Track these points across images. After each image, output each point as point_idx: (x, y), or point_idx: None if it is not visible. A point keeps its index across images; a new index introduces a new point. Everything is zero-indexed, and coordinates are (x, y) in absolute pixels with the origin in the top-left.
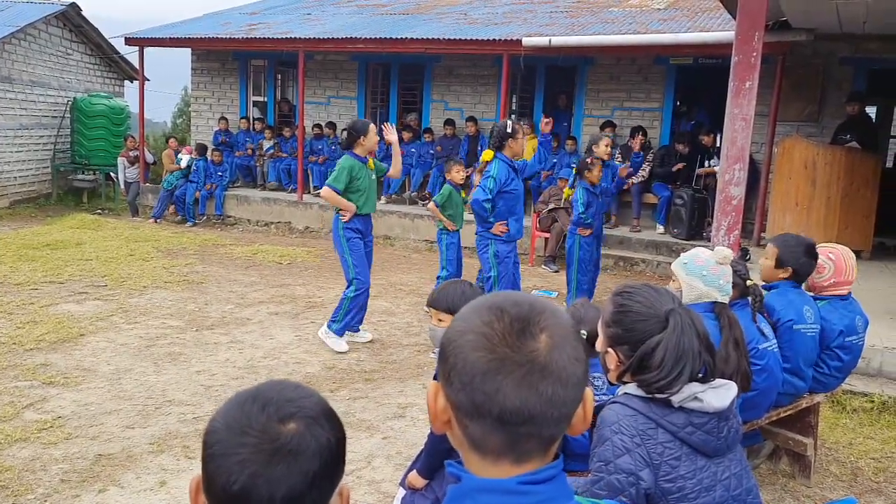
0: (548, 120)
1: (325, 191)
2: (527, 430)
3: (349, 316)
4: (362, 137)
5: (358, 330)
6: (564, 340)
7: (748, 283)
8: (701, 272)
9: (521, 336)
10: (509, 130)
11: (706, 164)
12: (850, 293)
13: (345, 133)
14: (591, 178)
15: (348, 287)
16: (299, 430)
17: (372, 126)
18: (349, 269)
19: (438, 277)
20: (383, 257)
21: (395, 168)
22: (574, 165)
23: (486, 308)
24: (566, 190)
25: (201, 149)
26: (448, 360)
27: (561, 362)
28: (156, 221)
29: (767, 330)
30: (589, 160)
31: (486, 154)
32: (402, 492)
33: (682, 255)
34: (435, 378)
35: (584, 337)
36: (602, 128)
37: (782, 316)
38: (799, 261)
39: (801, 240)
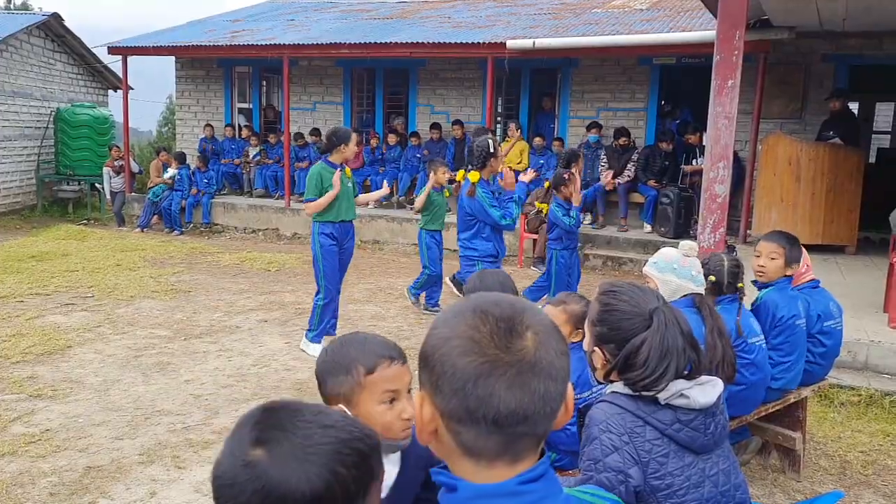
0: (531, 174)
1: (307, 209)
2: (522, 429)
3: (323, 323)
4: (343, 146)
5: (335, 335)
6: (549, 336)
7: (739, 285)
8: (672, 266)
9: (508, 336)
10: (492, 150)
11: (692, 162)
12: (817, 281)
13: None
14: (566, 195)
15: (318, 294)
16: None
17: (354, 136)
18: (320, 276)
19: (424, 274)
20: (372, 262)
21: (364, 200)
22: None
23: (468, 312)
24: (540, 205)
25: (181, 157)
26: (434, 368)
27: (548, 358)
28: (142, 231)
29: (755, 325)
30: (566, 175)
31: (473, 175)
32: None
33: (650, 258)
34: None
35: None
36: (588, 129)
37: (786, 312)
38: (799, 259)
39: (794, 236)
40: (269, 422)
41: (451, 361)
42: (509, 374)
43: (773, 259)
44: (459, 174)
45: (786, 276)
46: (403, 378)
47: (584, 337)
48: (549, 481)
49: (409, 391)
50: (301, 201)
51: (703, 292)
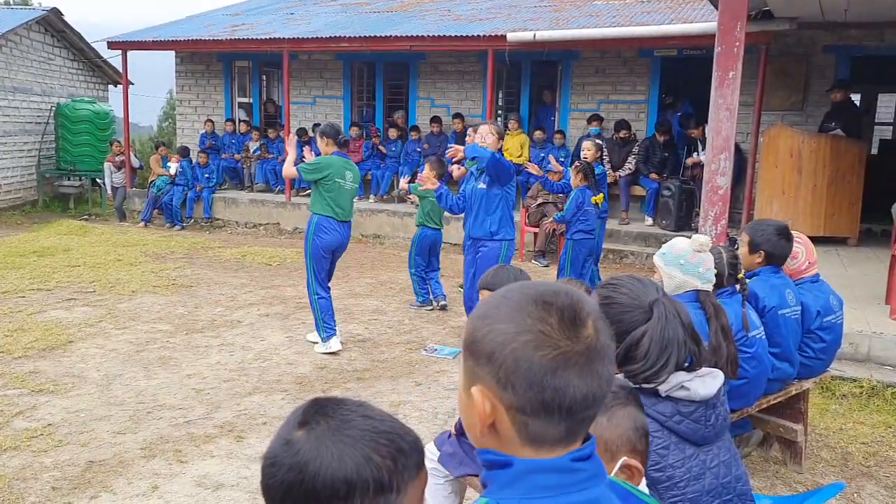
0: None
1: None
2: (589, 413)
3: (325, 317)
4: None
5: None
6: (602, 320)
7: (739, 276)
8: (678, 261)
9: (574, 326)
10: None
11: (693, 155)
12: (818, 275)
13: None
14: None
15: (309, 294)
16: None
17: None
18: (309, 273)
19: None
20: (373, 256)
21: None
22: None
23: (530, 304)
24: (594, 199)
25: (184, 151)
26: (504, 364)
27: (606, 341)
28: (145, 225)
29: (755, 317)
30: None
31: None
32: (434, 450)
33: (662, 246)
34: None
35: None
36: (589, 121)
37: (767, 302)
38: (770, 241)
39: (770, 222)
40: (315, 409)
41: (525, 357)
42: (580, 363)
43: (742, 246)
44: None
45: (759, 263)
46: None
47: None
48: (596, 462)
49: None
50: (302, 195)
51: (710, 289)
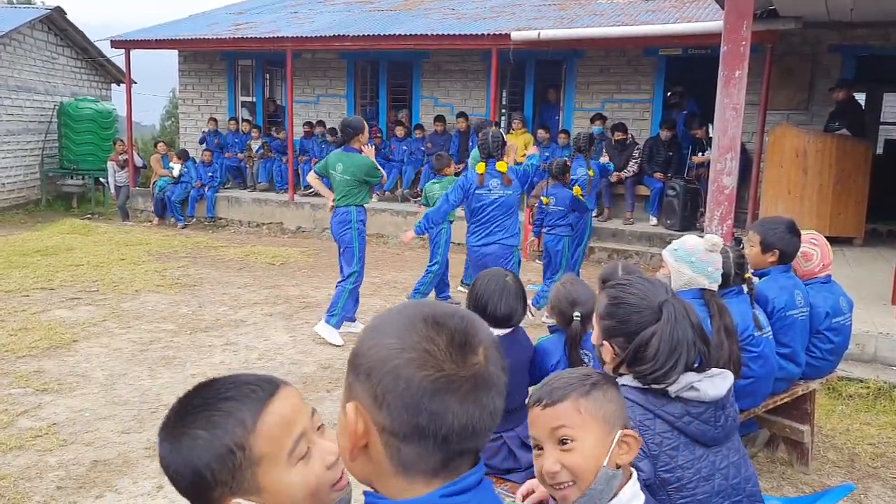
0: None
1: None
2: (468, 445)
3: (347, 306)
4: (360, 135)
5: (354, 320)
6: (496, 350)
7: (746, 276)
8: (689, 259)
9: (462, 350)
10: (500, 142)
11: (699, 153)
12: (829, 276)
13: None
14: (566, 180)
15: (346, 279)
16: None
17: (365, 124)
18: (355, 260)
19: (428, 271)
20: (376, 255)
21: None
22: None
23: (419, 322)
24: (544, 199)
25: (184, 154)
26: (381, 381)
27: (496, 372)
28: (159, 221)
29: (762, 317)
30: (567, 162)
31: (480, 167)
32: None
33: (673, 241)
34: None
35: (580, 317)
36: (592, 121)
37: (776, 304)
38: (783, 240)
39: (779, 219)
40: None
41: (406, 375)
42: (463, 390)
43: (752, 247)
44: (480, 167)
45: (771, 262)
46: (302, 411)
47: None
48: (481, 493)
49: (318, 427)
50: (306, 195)
51: (715, 289)
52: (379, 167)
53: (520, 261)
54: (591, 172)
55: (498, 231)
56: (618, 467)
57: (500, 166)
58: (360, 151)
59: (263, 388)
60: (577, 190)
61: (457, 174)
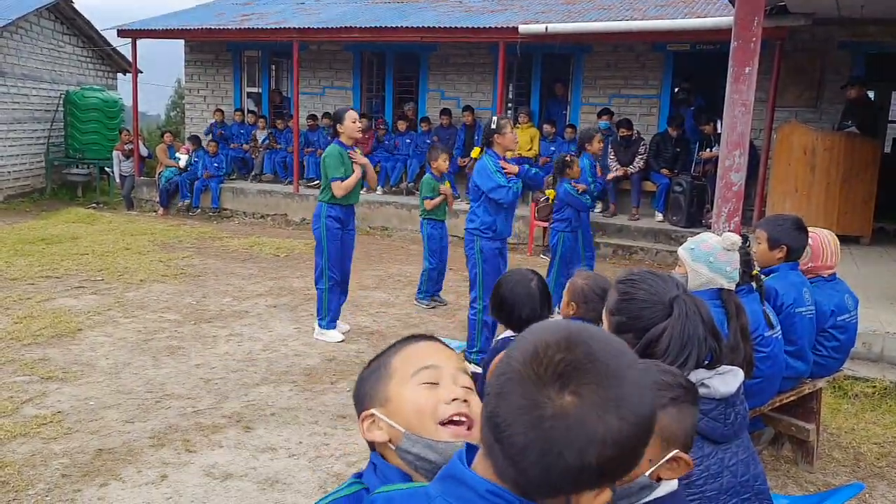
0: None
1: (338, 189)
2: None
3: (332, 308)
4: (338, 125)
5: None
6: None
7: (754, 273)
8: (707, 258)
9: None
10: (494, 127)
11: (707, 149)
12: (835, 274)
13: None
14: (572, 175)
15: (320, 280)
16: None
17: (349, 113)
18: (323, 259)
19: (425, 270)
20: (380, 248)
21: (370, 182)
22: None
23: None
24: (549, 192)
25: (196, 140)
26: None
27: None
28: (166, 210)
29: (773, 317)
30: (568, 157)
31: (475, 151)
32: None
33: (689, 240)
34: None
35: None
36: (599, 115)
37: (785, 300)
38: (790, 236)
39: (786, 216)
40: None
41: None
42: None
43: (759, 244)
44: (474, 151)
45: (780, 258)
46: (441, 356)
47: (576, 311)
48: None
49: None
50: (310, 186)
51: (733, 288)
52: (341, 166)
53: (482, 248)
54: (550, 193)
55: (469, 216)
56: (658, 479)
57: (474, 153)
58: (348, 145)
59: (416, 337)
60: (550, 193)
61: (462, 167)
